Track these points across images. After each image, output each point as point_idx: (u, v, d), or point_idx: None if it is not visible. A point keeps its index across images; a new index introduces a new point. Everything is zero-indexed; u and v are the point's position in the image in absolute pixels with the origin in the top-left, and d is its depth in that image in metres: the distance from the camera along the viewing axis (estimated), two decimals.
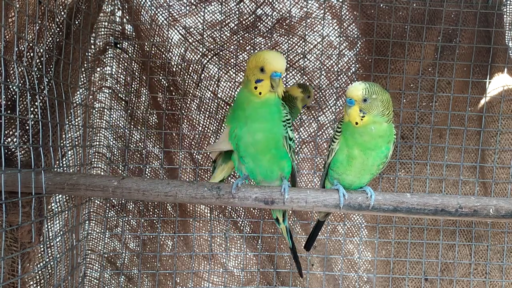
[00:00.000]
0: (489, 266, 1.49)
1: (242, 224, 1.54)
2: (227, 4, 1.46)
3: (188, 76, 1.48)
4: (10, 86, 1.06)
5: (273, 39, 1.49)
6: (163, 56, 1.46)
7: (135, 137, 1.49)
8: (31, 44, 1.06)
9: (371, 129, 1.00)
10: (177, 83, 1.48)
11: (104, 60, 1.46)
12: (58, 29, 1.14)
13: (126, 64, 1.47)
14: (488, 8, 1.47)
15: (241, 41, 1.48)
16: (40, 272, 1.19)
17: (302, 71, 1.49)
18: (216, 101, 1.49)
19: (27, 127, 1.08)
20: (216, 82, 1.49)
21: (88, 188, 1.04)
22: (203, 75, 1.49)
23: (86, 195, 1.31)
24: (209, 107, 1.50)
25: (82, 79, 1.33)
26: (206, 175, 1.52)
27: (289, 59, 1.49)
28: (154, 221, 1.50)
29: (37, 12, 1.03)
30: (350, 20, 1.49)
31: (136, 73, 1.48)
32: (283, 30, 1.48)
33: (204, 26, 1.45)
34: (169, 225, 1.51)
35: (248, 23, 1.47)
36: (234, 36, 1.48)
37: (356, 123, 0.99)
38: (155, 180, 1.06)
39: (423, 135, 1.51)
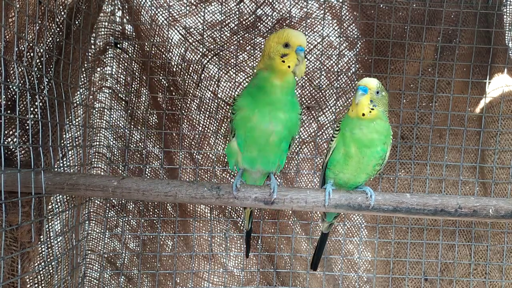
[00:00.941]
0: (488, 266, 1.49)
1: (242, 224, 1.54)
2: (227, 4, 1.46)
3: (188, 76, 1.48)
4: (10, 86, 1.06)
5: None
6: (163, 56, 1.46)
7: (135, 137, 1.50)
8: (31, 44, 1.06)
9: (374, 124, 1.00)
10: (177, 83, 1.48)
11: (104, 60, 1.46)
12: (58, 29, 1.14)
13: (126, 64, 1.47)
14: (488, 9, 1.48)
15: (241, 41, 1.48)
16: (40, 272, 1.19)
17: None
18: (216, 101, 1.49)
19: (27, 127, 1.08)
20: (216, 82, 1.49)
21: (88, 188, 1.04)
22: (203, 75, 1.49)
23: (86, 195, 1.30)
24: (209, 107, 1.50)
25: (82, 79, 1.33)
26: (206, 175, 1.52)
27: None
28: (154, 221, 1.50)
29: (37, 12, 1.03)
30: (350, 20, 1.49)
31: (136, 73, 1.48)
32: None
33: (204, 26, 1.45)
34: (169, 225, 1.51)
35: (248, 23, 1.47)
36: (234, 36, 1.48)
37: (363, 114, 0.99)
38: (155, 180, 1.06)
39: (423, 135, 1.51)
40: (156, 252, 1.48)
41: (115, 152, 1.49)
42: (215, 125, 1.50)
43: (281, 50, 0.97)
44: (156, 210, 1.50)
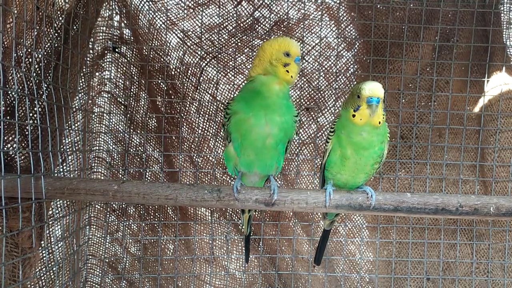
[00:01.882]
0: (490, 264, 1.49)
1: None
2: (225, 7, 1.46)
3: (187, 79, 1.48)
4: (9, 92, 1.06)
5: None
6: (162, 59, 1.46)
7: (135, 141, 1.49)
8: (29, 50, 1.06)
9: (378, 129, 0.99)
10: (176, 87, 1.48)
11: (103, 65, 1.46)
12: (56, 34, 1.15)
13: (124, 68, 1.47)
14: (485, 7, 1.48)
15: (239, 44, 1.48)
16: (41, 277, 1.19)
17: (300, 73, 1.49)
18: (215, 103, 1.49)
19: (27, 133, 1.08)
20: (215, 85, 1.49)
21: (88, 193, 1.04)
22: (201, 78, 1.49)
23: (86, 199, 1.31)
24: (208, 110, 1.50)
25: (81, 84, 1.33)
26: (206, 178, 1.52)
27: None
28: (155, 225, 1.49)
29: (35, 17, 1.03)
30: (347, 21, 1.49)
31: (135, 77, 1.48)
32: (281, 32, 1.49)
33: (202, 29, 1.46)
34: (170, 228, 1.51)
35: (246, 25, 1.47)
36: (232, 38, 1.48)
37: (379, 123, 0.98)
38: (155, 184, 1.06)
39: (422, 134, 1.51)
40: (158, 256, 1.48)
41: (115, 157, 1.49)
42: (214, 127, 1.50)
43: (283, 59, 1.00)
44: (156, 214, 1.50)
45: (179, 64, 1.48)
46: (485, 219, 1.48)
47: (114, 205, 1.49)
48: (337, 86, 1.51)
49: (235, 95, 1.04)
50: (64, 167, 1.24)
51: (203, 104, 1.49)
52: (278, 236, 1.52)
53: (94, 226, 1.48)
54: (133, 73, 1.48)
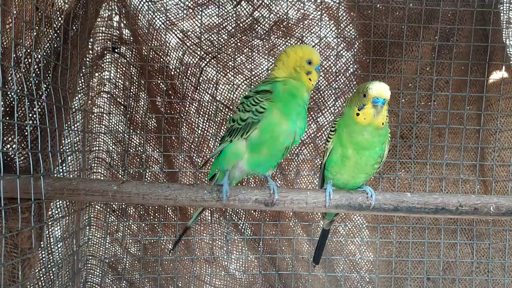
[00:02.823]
0: (491, 264, 1.48)
1: (243, 227, 1.54)
2: (224, 7, 1.46)
3: (187, 80, 1.48)
4: (9, 93, 1.06)
5: (270, 41, 1.49)
6: (161, 60, 1.46)
7: (135, 142, 1.49)
8: (29, 50, 1.06)
9: (380, 131, 0.99)
10: (176, 87, 1.48)
11: (102, 65, 1.46)
12: (55, 34, 1.15)
13: (124, 68, 1.47)
14: (485, 7, 1.48)
15: (238, 44, 1.48)
16: (41, 278, 1.19)
17: None
18: (215, 104, 1.49)
19: (26, 133, 1.08)
20: (215, 85, 1.49)
21: (87, 193, 1.03)
22: (201, 78, 1.49)
23: (86, 200, 1.31)
24: (208, 110, 1.50)
25: (80, 84, 1.33)
26: (206, 178, 1.52)
27: None
28: (155, 225, 1.49)
29: (34, 18, 1.03)
30: (347, 21, 1.49)
31: (135, 78, 1.48)
32: (280, 32, 1.49)
33: (202, 29, 1.45)
34: (170, 229, 1.51)
35: (246, 25, 1.47)
36: (232, 38, 1.48)
37: (382, 124, 0.98)
38: (154, 184, 1.06)
39: (422, 134, 1.51)
40: (158, 256, 1.48)
41: (115, 157, 1.48)
42: (214, 128, 1.50)
43: (306, 67, 1.04)
44: (156, 214, 1.50)
45: (179, 64, 1.48)
46: (485, 218, 1.48)
47: (114, 205, 1.49)
48: (336, 86, 1.50)
49: (259, 88, 1.02)
50: (64, 168, 1.23)
51: (203, 104, 1.49)
52: (278, 236, 1.52)
53: (94, 227, 1.48)
54: (133, 73, 1.48)
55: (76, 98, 1.30)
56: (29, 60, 1.09)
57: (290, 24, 1.48)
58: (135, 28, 1.44)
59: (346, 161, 1.03)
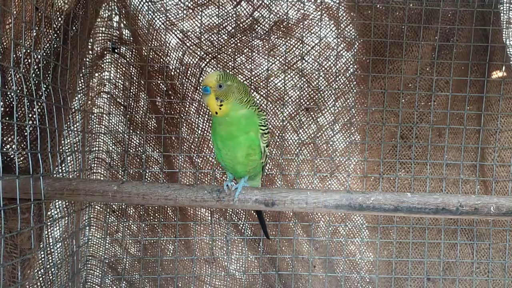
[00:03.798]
0: (491, 264, 1.48)
1: (243, 227, 1.53)
2: (224, 7, 1.46)
3: (187, 80, 1.48)
4: (8, 93, 1.06)
5: (270, 42, 1.49)
6: (161, 60, 1.46)
7: (135, 142, 1.49)
8: (28, 51, 1.06)
9: (227, 118, 0.99)
10: (176, 87, 1.48)
11: (102, 65, 1.46)
12: (55, 35, 1.14)
13: (124, 69, 1.47)
14: (485, 7, 1.48)
15: (238, 44, 1.48)
16: (40, 278, 1.19)
17: (300, 73, 1.49)
18: None
19: (26, 134, 1.08)
20: None
21: (87, 193, 1.03)
22: (201, 78, 1.49)
23: (85, 200, 1.30)
24: (208, 110, 1.50)
25: (80, 85, 1.33)
26: (206, 179, 1.52)
27: (287, 61, 1.50)
28: (155, 226, 1.49)
29: (34, 18, 1.03)
30: (347, 21, 1.49)
31: (135, 78, 1.48)
32: (280, 32, 1.49)
33: (202, 30, 1.45)
34: (170, 229, 1.50)
35: (246, 26, 1.47)
36: (232, 39, 1.48)
37: (216, 113, 0.99)
38: (154, 184, 1.06)
39: (422, 134, 1.51)
40: (157, 257, 1.48)
41: (115, 157, 1.48)
42: None
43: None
44: (156, 215, 1.50)
45: (179, 65, 1.47)
46: (485, 219, 1.48)
47: (113, 205, 1.49)
48: (336, 86, 1.50)
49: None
50: (64, 168, 1.23)
51: (203, 105, 1.49)
52: (278, 236, 1.52)
53: (94, 227, 1.48)
54: (133, 73, 1.48)
55: (76, 98, 1.30)
56: (29, 60, 1.09)
57: (290, 24, 1.48)
58: (135, 28, 1.44)
59: (220, 152, 1.05)
